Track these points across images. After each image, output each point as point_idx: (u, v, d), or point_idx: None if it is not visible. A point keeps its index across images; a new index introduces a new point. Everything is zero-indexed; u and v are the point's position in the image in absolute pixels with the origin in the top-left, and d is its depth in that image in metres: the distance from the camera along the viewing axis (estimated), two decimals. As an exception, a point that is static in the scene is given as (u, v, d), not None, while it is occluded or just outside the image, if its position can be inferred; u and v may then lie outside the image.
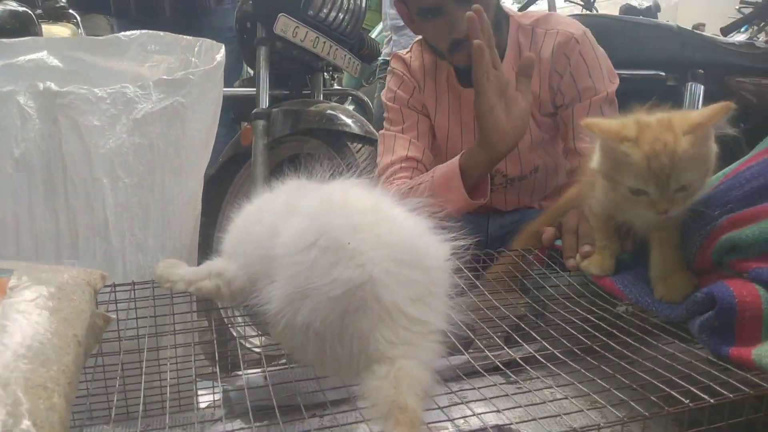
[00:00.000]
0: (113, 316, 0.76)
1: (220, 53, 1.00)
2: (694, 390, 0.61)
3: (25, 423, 0.46)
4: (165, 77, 0.94)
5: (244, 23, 2.03)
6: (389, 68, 1.39)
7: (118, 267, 0.94)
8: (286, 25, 1.87)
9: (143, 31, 1.12)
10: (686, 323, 0.73)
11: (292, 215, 0.63)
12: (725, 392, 0.59)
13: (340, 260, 0.56)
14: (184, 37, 1.09)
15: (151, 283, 0.90)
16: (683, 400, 0.59)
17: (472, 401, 0.69)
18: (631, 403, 0.60)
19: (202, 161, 1.02)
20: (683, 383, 0.62)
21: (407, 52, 1.37)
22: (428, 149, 1.32)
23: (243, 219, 0.75)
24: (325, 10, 1.93)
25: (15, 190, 0.91)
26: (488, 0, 1.17)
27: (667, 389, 0.61)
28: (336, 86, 2.54)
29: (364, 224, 0.59)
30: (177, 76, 0.94)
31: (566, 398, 0.66)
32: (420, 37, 1.37)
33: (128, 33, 1.11)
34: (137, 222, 0.94)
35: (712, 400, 0.59)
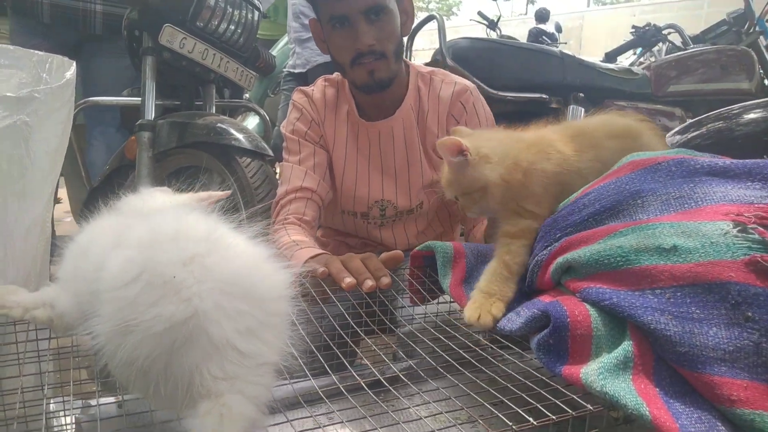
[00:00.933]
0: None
1: (71, 70, 0.95)
2: (521, 411, 0.63)
3: None
4: (9, 94, 0.88)
5: (132, 32, 1.95)
6: (291, 101, 1.39)
7: (-48, 296, 0.86)
8: (172, 36, 1.81)
9: (-7, 44, 1.04)
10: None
11: (119, 247, 0.60)
12: (548, 413, 0.62)
13: (164, 295, 0.54)
14: (36, 52, 1.03)
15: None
16: (507, 422, 0.61)
17: (335, 423, 0.69)
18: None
19: (49, 183, 0.96)
20: (511, 404, 0.65)
21: (311, 87, 1.39)
22: (324, 180, 1.34)
23: (73, 249, 0.70)
24: (214, 22, 1.89)
25: None
26: (393, 23, 1.23)
27: (496, 412, 0.63)
28: (245, 96, 2.49)
29: (195, 255, 0.58)
30: (22, 94, 0.88)
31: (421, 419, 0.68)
32: (322, 77, 1.39)
33: (-25, 46, 1.03)
34: (-24, 247, 0.87)
35: (535, 423, 0.61)
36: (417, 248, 0.96)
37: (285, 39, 3.76)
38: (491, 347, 0.86)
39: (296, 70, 3.45)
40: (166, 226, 0.61)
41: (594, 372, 0.65)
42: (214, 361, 0.55)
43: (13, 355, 0.81)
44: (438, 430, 0.65)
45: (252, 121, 3.26)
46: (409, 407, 0.74)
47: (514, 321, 0.79)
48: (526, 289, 0.87)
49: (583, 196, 0.82)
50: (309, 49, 3.33)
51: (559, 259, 0.77)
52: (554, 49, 2.44)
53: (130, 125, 2.19)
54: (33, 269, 0.93)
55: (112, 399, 0.84)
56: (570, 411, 0.62)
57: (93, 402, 0.83)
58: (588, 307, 0.71)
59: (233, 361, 0.56)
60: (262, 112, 2.36)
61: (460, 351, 0.82)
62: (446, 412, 0.70)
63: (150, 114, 1.83)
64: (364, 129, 1.34)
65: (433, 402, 0.74)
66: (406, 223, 1.42)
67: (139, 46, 1.93)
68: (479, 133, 0.93)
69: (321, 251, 1.11)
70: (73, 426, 0.84)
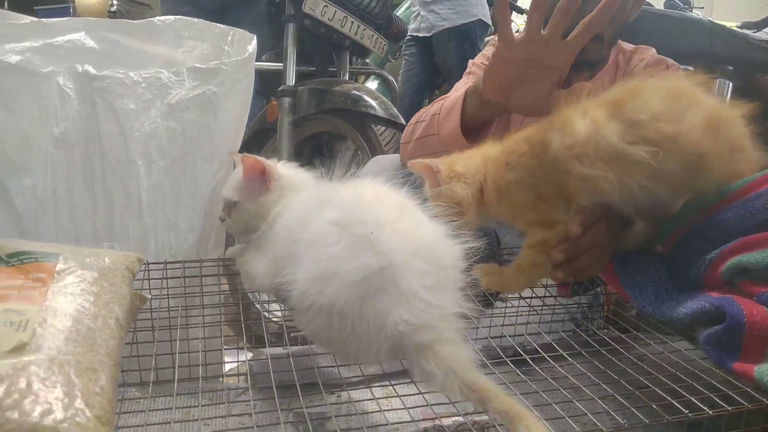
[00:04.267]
0: (147, 295, 0.81)
1: (252, 44, 1.03)
2: (694, 400, 0.64)
3: (79, 402, 0.50)
4: (199, 65, 0.97)
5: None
6: (491, 42, 1.40)
7: (150, 246, 0.99)
8: (315, 4, 1.87)
9: (178, 17, 1.14)
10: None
11: (323, 207, 0.70)
12: (724, 405, 0.63)
13: (362, 249, 0.63)
14: (218, 25, 1.12)
15: (182, 262, 0.94)
16: (683, 410, 0.63)
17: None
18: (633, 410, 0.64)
19: (233, 149, 1.06)
20: (684, 392, 0.66)
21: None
22: None
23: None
24: (354, -10, 1.93)
25: (54, 167, 0.95)
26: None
27: (669, 398, 0.65)
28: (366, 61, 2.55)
29: (387, 220, 0.66)
30: (210, 65, 0.97)
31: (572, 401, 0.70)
32: None
33: (163, 18, 1.13)
34: (169, 204, 0.98)
35: (710, 412, 0.62)
36: None
37: (407, 2, 3.75)
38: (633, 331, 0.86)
39: (420, 34, 3.44)
40: (364, 193, 0.70)
41: (771, 371, 0.65)
42: (404, 307, 0.62)
43: (198, 307, 0.92)
44: (577, 400, 0.68)
45: (371, 86, 3.32)
46: (546, 378, 0.77)
47: (677, 310, 0.79)
48: (687, 285, 0.86)
49: (754, 198, 0.78)
50: (434, 13, 3.31)
51: (734, 260, 0.76)
52: (702, 17, 2.26)
53: (267, 90, 2.31)
54: (216, 226, 1.04)
55: (281, 349, 0.94)
56: (725, 405, 0.63)
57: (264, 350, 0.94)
58: (767, 309, 0.70)
59: (422, 309, 0.62)
60: (389, 77, 2.39)
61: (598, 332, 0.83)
62: (586, 386, 0.72)
63: (291, 80, 1.92)
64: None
65: (572, 376, 0.76)
66: None
67: (278, 11, 2.01)
68: (469, 151, 0.90)
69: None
70: (246, 366, 0.95)
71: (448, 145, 1.00)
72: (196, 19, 1.12)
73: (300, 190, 0.87)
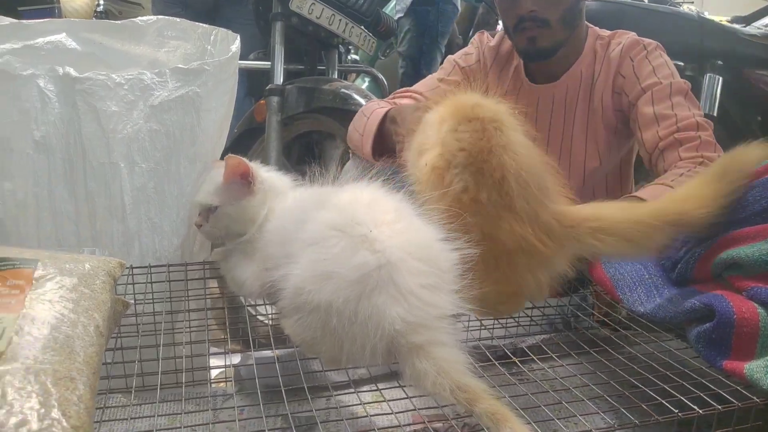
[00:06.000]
0: (131, 300, 0.79)
1: (235, 44, 1.01)
2: (685, 399, 0.64)
3: (55, 412, 0.49)
4: (181, 66, 0.96)
5: (260, -5, 2.03)
6: (471, 40, 1.41)
7: (134, 249, 0.97)
8: (302, 1, 1.86)
9: (160, 16, 1.12)
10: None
11: (322, 209, 0.70)
12: (714, 403, 0.62)
13: (360, 248, 0.64)
14: (201, 24, 1.10)
15: (166, 266, 0.93)
16: (673, 409, 0.62)
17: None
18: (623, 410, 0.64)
19: (217, 150, 1.04)
20: (674, 392, 0.66)
21: (494, 32, 1.39)
22: None
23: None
24: (342, -12, 1.92)
25: (35, 171, 0.93)
26: None
27: (659, 398, 0.64)
28: (353, 56, 2.54)
29: (385, 221, 0.67)
30: (193, 66, 0.95)
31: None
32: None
33: (145, 18, 1.12)
34: (153, 206, 0.97)
35: (701, 411, 0.62)
36: None
37: (393, 1, 3.74)
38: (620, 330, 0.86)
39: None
40: (362, 196, 0.71)
41: (761, 368, 0.65)
42: (401, 305, 0.62)
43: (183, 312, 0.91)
44: (567, 401, 0.67)
45: (361, 84, 3.30)
46: (536, 381, 0.76)
47: (667, 309, 0.79)
48: (674, 277, 0.86)
49: (748, 191, 0.78)
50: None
51: (723, 254, 0.75)
52: (692, 12, 2.26)
53: (255, 89, 2.28)
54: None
55: (268, 352, 0.93)
56: (716, 405, 0.62)
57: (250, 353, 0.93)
58: (756, 305, 0.69)
59: (419, 307, 0.63)
60: (379, 75, 2.38)
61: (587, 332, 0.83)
62: (576, 388, 0.72)
63: (279, 79, 1.90)
64: (525, 90, 1.30)
65: (561, 378, 0.75)
66: None
67: (265, 10, 1.99)
68: None
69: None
70: (232, 371, 0.94)
71: (369, 161, 1.18)
72: (178, 19, 1.11)
73: (283, 194, 0.86)
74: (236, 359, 0.93)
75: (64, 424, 0.49)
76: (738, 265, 0.72)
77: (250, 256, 0.85)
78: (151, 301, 0.90)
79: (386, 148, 1.15)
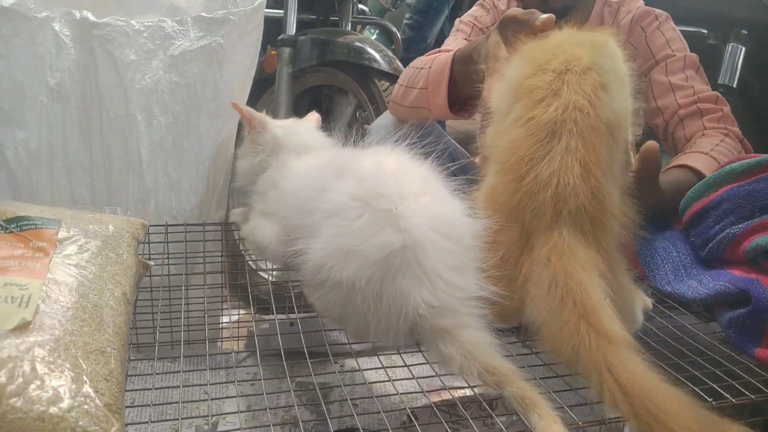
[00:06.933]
0: (150, 261, 0.77)
1: (262, -7, 0.96)
2: (717, 388, 0.63)
3: (87, 388, 0.47)
4: (204, 14, 0.90)
5: (273, -59, 1.93)
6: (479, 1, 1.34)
7: (150, 205, 0.94)
8: (317, -52, 1.77)
9: (181, -40, 1.06)
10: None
11: (342, 177, 0.66)
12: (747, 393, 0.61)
13: (384, 225, 0.60)
14: (225, -30, 1.04)
15: (183, 225, 0.90)
16: (707, 398, 0.61)
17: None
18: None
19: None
20: (707, 380, 0.65)
21: None
22: None
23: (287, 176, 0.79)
24: (358, -66, 1.83)
25: (49, 120, 0.90)
26: None
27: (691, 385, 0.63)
28: (362, 6, 2.44)
29: (411, 192, 0.63)
30: (217, 15, 0.90)
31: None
32: None
33: (165, -40, 1.05)
34: (171, 162, 0.93)
35: (734, 400, 0.61)
36: None
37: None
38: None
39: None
40: (386, 164, 0.66)
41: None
42: (426, 288, 0.60)
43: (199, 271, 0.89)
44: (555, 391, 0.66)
45: (369, 36, 3.21)
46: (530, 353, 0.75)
47: (698, 290, 0.77)
48: (704, 255, 0.84)
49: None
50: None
51: (759, 239, 0.74)
52: (721, -22, 2.18)
53: (266, 38, 2.20)
54: (219, 186, 1.00)
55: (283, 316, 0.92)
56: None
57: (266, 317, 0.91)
58: (795, 294, 0.68)
59: (444, 290, 0.60)
60: (393, 28, 2.30)
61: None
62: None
63: (291, 29, 1.83)
64: None
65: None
66: None
67: (279, -44, 1.90)
68: None
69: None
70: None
71: (440, 117, 1.07)
72: (200, -36, 1.05)
73: (307, 152, 0.82)
74: (254, 324, 0.92)
75: (97, 401, 0.47)
76: (776, 250, 0.70)
77: (270, 217, 0.82)
78: (167, 262, 0.87)
79: (457, 99, 1.05)
